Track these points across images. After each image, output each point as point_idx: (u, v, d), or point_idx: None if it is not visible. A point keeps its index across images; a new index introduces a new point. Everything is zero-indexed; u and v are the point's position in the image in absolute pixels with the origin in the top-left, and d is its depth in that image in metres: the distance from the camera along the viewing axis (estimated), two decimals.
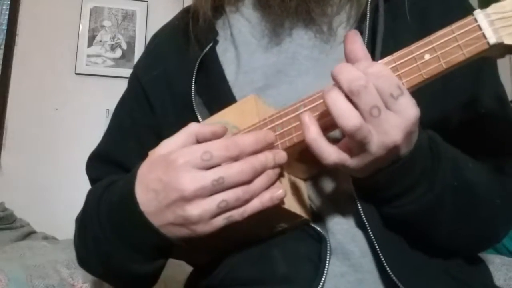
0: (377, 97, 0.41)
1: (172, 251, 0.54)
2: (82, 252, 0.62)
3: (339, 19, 0.62)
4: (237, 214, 0.46)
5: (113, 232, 0.52)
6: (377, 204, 0.51)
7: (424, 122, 0.47)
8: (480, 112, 0.57)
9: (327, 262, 0.51)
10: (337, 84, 0.42)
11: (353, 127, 0.41)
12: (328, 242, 0.52)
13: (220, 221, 0.46)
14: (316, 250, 0.52)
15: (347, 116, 0.41)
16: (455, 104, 0.58)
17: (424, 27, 0.57)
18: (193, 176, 0.45)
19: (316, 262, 0.52)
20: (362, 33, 0.58)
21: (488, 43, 0.40)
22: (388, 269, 0.50)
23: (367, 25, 0.57)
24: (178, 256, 0.60)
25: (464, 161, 0.52)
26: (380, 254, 0.50)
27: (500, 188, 0.54)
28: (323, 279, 0.50)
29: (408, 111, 0.42)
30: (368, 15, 0.58)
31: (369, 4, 0.58)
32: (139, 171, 0.50)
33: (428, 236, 0.52)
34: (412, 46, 0.43)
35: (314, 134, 0.43)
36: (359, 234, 0.53)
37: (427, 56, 0.42)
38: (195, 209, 0.45)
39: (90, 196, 0.61)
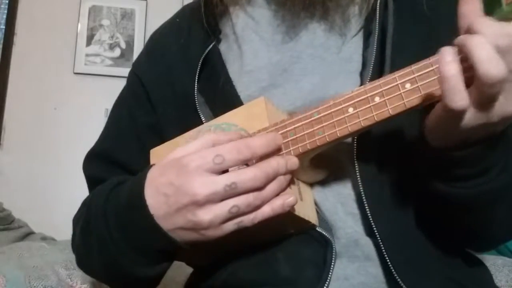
0: None
1: (177, 254, 0.53)
2: (83, 254, 0.60)
3: (352, 12, 0.61)
4: (247, 220, 0.45)
5: (120, 234, 0.51)
6: (448, 183, 0.48)
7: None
8: None
9: (332, 266, 0.51)
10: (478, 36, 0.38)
11: (498, 75, 0.37)
12: (333, 246, 0.52)
13: (230, 226, 0.45)
14: (321, 254, 0.52)
15: (494, 63, 0.37)
16: None
17: (433, 25, 0.57)
18: (205, 181, 0.44)
19: (320, 265, 0.51)
20: (371, 32, 0.57)
21: None
22: (395, 273, 0.49)
23: (377, 24, 0.56)
24: (180, 258, 0.59)
25: None
26: (387, 259, 0.50)
27: None
28: (327, 282, 0.50)
29: None
30: (378, 12, 0.57)
31: (378, 3, 0.58)
32: (149, 174, 0.49)
33: (481, 222, 0.51)
34: (431, 59, 0.42)
35: (455, 70, 0.39)
36: (364, 238, 0.53)
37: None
38: (207, 214, 0.44)
39: (94, 197, 0.59)
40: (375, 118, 0.44)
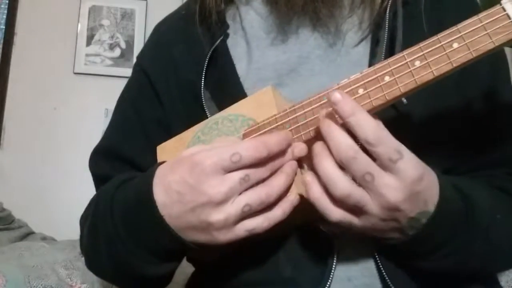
0: (368, 164, 0.41)
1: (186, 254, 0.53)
2: (92, 255, 0.59)
3: (351, 22, 0.61)
4: (260, 228, 0.45)
5: (128, 233, 0.50)
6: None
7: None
8: (500, 104, 0.57)
9: (333, 266, 0.51)
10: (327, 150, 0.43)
11: (341, 195, 0.42)
12: (335, 246, 0.52)
13: (241, 232, 0.44)
14: (323, 254, 0.51)
15: (334, 183, 0.42)
16: (475, 92, 0.57)
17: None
18: (222, 179, 0.43)
19: (322, 265, 0.51)
20: (379, 41, 0.56)
21: None
22: (384, 272, 0.50)
23: (386, 34, 0.56)
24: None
25: (495, 219, 0.50)
26: (378, 258, 0.50)
27: None
28: (328, 282, 0.50)
29: (407, 172, 0.41)
30: (387, 23, 0.56)
31: (387, 11, 0.57)
32: (158, 171, 0.47)
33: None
34: (440, 35, 0.43)
35: (317, 194, 0.44)
36: (366, 238, 0.52)
37: (455, 45, 0.42)
38: (221, 213, 0.43)
39: (100, 196, 0.58)
40: (386, 97, 0.44)
